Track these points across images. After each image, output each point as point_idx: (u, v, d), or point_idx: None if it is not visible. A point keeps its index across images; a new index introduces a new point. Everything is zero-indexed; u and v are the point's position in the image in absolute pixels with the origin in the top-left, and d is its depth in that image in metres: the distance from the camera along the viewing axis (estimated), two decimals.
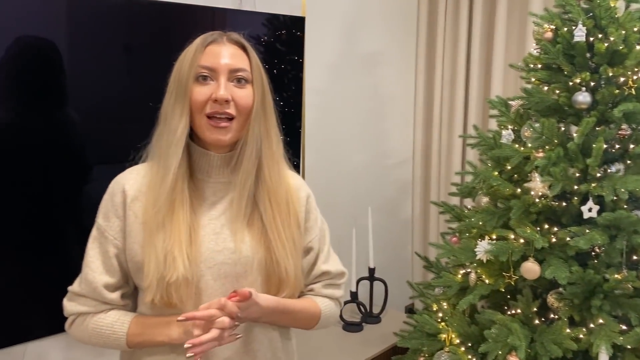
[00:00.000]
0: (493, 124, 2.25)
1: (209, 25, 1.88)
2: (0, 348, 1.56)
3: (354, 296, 2.53)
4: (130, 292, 1.17)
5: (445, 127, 3.01)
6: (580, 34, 1.68)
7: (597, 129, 1.69)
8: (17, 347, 1.61)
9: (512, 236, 1.70)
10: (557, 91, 1.76)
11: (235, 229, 1.12)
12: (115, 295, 1.12)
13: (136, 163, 1.17)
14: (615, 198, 1.60)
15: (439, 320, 1.90)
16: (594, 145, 1.61)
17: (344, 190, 2.72)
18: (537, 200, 1.68)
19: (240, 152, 1.12)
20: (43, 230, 1.59)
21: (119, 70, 1.70)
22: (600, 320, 1.58)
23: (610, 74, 1.69)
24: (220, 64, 1.09)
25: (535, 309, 1.71)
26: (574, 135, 1.66)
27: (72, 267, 1.62)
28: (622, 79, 1.70)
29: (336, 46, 2.62)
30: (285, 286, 1.13)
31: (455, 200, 2.80)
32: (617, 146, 1.73)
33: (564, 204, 1.73)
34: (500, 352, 1.61)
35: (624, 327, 1.60)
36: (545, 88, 1.80)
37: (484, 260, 1.72)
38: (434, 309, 1.95)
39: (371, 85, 2.84)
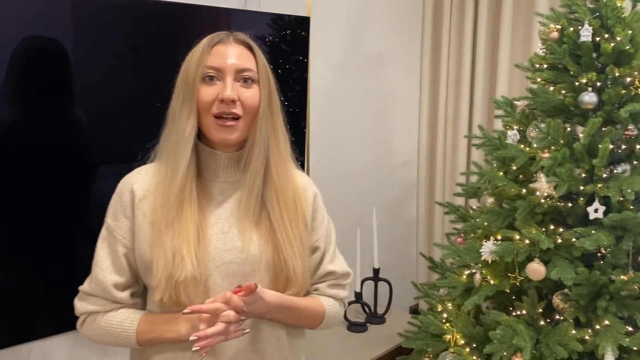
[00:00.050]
0: (498, 124, 2.25)
1: (214, 26, 1.88)
2: (5, 347, 1.57)
3: (358, 296, 2.53)
4: (140, 291, 1.18)
5: (450, 127, 3.01)
6: (586, 33, 1.68)
7: (603, 129, 1.68)
8: (22, 346, 1.61)
9: (518, 237, 1.69)
10: (563, 91, 1.75)
11: (243, 228, 1.12)
12: (124, 294, 1.13)
13: (144, 163, 1.18)
14: (621, 199, 1.59)
15: (444, 321, 1.90)
16: (600, 146, 1.60)
17: (348, 190, 2.72)
18: (542, 200, 1.67)
19: (249, 152, 1.13)
20: (48, 230, 1.59)
21: (124, 70, 1.70)
22: (606, 322, 1.57)
23: (617, 74, 1.68)
24: (227, 64, 1.09)
25: (540, 310, 1.70)
26: (580, 135, 1.66)
27: (78, 266, 1.63)
28: (628, 79, 1.69)
29: (341, 46, 2.62)
30: (292, 285, 1.14)
31: (460, 201, 2.79)
32: (624, 147, 1.72)
33: (570, 204, 1.72)
34: (505, 353, 1.60)
35: (630, 329, 1.59)
36: (551, 88, 1.79)
37: (489, 261, 1.72)
38: (439, 309, 1.95)
39: (376, 85, 2.84)
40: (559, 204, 1.71)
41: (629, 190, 1.56)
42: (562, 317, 1.68)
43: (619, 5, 1.70)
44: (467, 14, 2.86)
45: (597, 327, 1.59)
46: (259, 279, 1.13)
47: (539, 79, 1.83)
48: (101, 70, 1.64)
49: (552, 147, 1.70)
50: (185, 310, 1.01)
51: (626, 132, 1.69)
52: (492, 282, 1.74)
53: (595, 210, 1.62)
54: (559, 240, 1.66)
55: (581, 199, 1.69)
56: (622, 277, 1.57)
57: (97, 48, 1.63)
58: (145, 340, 1.12)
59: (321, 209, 1.25)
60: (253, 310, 1.08)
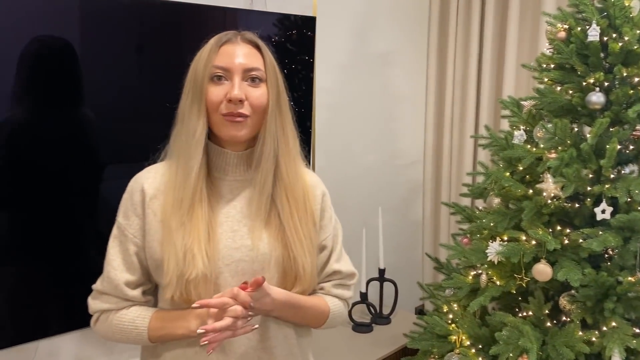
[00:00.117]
0: (505, 125, 2.24)
1: (220, 26, 1.88)
2: (12, 345, 1.58)
3: (363, 297, 2.52)
4: (151, 289, 1.19)
5: (457, 128, 3.00)
6: (594, 33, 1.67)
7: (611, 129, 1.67)
8: (29, 345, 1.62)
9: (524, 237, 1.68)
10: (571, 91, 1.74)
11: (252, 226, 1.13)
12: (136, 292, 1.14)
13: (154, 162, 1.19)
14: (629, 200, 1.58)
15: (450, 321, 1.89)
16: (607, 146, 1.59)
17: (354, 191, 2.72)
18: (549, 201, 1.67)
19: (259, 151, 1.13)
20: (56, 229, 1.60)
21: (130, 70, 1.71)
22: (614, 323, 1.56)
23: (625, 74, 1.67)
24: (234, 64, 1.09)
25: (547, 312, 1.69)
26: (588, 136, 1.65)
27: (85, 265, 1.64)
28: (636, 79, 1.67)
29: (347, 46, 2.62)
30: (300, 283, 1.14)
31: (466, 201, 2.78)
32: (631, 147, 1.71)
33: (577, 205, 1.71)
34: (511, 355, 1.59)
35: (638, 330, 1.58)
36: (558, 88, 1.78)
37: (495, 262, 1.71)
38: (445, 310, 1.94)
39: (382, 85, 2.84)
40: (565, 204, 1.70)
41: (636, 191, 1.55)
42: (568, 319, 1.67)
43: (627, 4, 1.68)
44: (473, 13, 2.85)
45: (604, 328, 1.58)
46: (268, 277, 1.13)
47: (546, 79, 1.82)
48: (108, 70, 1.65)
49: (559, 148, 1.69)
50: (194, 305, 1.02)
51: (634, 133, 1.68)
52: (498, 283, 1.73)
53: (603, 211, 1.61)
54: (566, 241, 1.65)
55: (588, 199, 1.68)
56: (629, 278, 1.55)
57: (103, 48, 1.63)
58: (156, 337, 1.13)
59: (329, 207, 1.26)
60: (260, 306, 1.08)
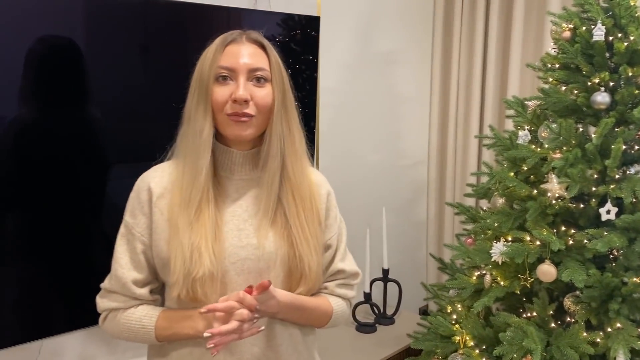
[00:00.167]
0: (509, 125, 2.23)
1: (225, 25, 1.88)
2: (16, 344, 1.58)
3: (367, 297, 2.52)
4: (159, 288, 1.19)
5: (461, 128, 2.99)
6: (599, 33, 1.66)
7: (616, 129, 1.66)
8: (33, 344, 1.63)
9: (528, 238, 1.68)
10: (575, 91, 1.74)
11: (259, 225, 1.14)
12: (144, 291, 1.15)
13: (161, 161, 1.20)
14: (634, 200, 1.58)
15: (453, 322, 1.89)
16: (612, 146, 1.58)
17: (358, 191, 2.71)
18: (554, 201, 1.66)
19: (266, 151, 1.14)
20: (61, 228, 1.61)
21: (135, 70, 1.71)
22: (618, 324, 1.55)
23: (630, 74, 1.66)
24: (239, 64, 1.10)
25: (551, 312, 1.68)
26: (593, 136, 1.64)
27: (90, 264, 1.65)
28: None
29: (351, 46, 2.62)
30: (306, 281, 1.15)
31: (471, 202, 2.78)
32: (637, 147, 1.70)
33: (582, 205, 1.71)
34: (515, 355, 1.59)
35: None
36: (563, 88, 1.78)
37: (499, 262, 1.70)
38: (448, 310, 1.94)
39: (386, 85, 2.83)
40: (570, 205, 1.70)
41: None
42: (573, 320, 1.66)
43: (632, 4, 1.68)
44: (478, 13, 2.84)
45: (609, 329, 1.58)
46: (273, 275, 1.14)
47: (550, 79, 1.82)
48: (113, 69, 1.65)
49: (564, 148, 1.68)
50: (201, 310, 1.03)
51: (639, 133, 1.67)
52: (502, 283, 1.72)
53: (608, 212, 1.61)
54: (571, 242, 1.64)
55: (593, 200, 1.68)
56: (634, 279, 1.55)
57: (108, 48, 1.64)
58: (164, 337, 1.13)
59: (334, 207, 1.27)
60: (266, 309, 1.09)
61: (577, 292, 1.64)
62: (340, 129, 2.59)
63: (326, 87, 2.44)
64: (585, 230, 1.63)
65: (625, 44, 1.64)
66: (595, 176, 1.65)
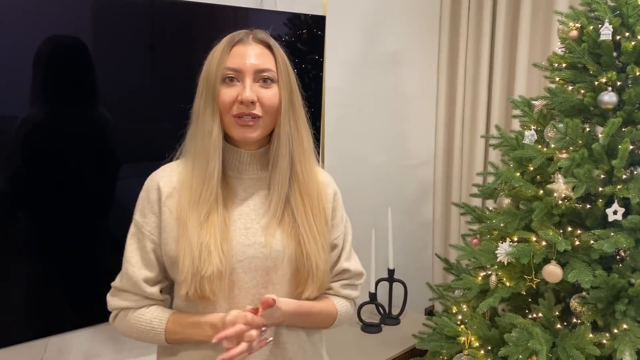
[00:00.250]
0: (516, 125, 2.22)
1: (232, 25, 1.89)
2: (22, 342, 1.59)
3: (372, 297, 2.52)
4: (169, 287, 1.20)
5: (468, 128, 2.98)
6: (606, 32, 1.65)
7: (623, 129, 1.65)
8: (39, 341, 1.63)
9: (534, 238, 1.67)
10: (582, 91, 1.73)
11: (266, 224, 1.15)
12: (154, 290, 1.16)
13: (170, 160, 1.21)
14: None
15: (459, 322, 1.88)
16: (619, 147, 1.57)
17: (363, 191, 2.71)
18: (560, 202, 1.65)
19: (275, 151, 1.15)
20: (68, 227, 1.62)
21: (143, 70, 1.72)
22: (625, 326, 1.54)
23: (638, 74, 1.65)
24: (246, 65, 1.10)
25: (557, 313, 1.68)
26: (599, 136, 1.63)
27: (97, 262, 1.66)
28: None
29: (357, 45, 2.61)
30: (313, 280, 1.15)
31: (477, 202, 2.76)
32: None
33: (589, 206, 1.70)
34: (520, 357, 1.58)
35: None
36: (570, 88, 1.77)
37: (505, 263, 1.70)
38: (454, 311, 1.93)
39: (392, 84, 2.83)
40: (577, 205, 1.69)
41: None
42: (579, 321, 1.65)
43: None
44: (485, 12, 2.83)
45: (615, 331, 1.57)
46: (280, 273, 1.15)
47: (557, 79, 1.81)
48: (121, 69, 1.66)
49: (571, 148, 1.68)
50: (213, 340, 1.04)
51: None
52: (507, 284, 1.72)
53: (615, 212, 1.60)
54: (577, 242, 1.63)
55: (600, 200, 1.67)
56: None
57: (116, 47, 1.64)
58: (173, 340, 1.15)
59: (340, 207, 1.27)
60: (272, 321, 1.12)
61: (584, 293, 1.63)
62: (346, 129, 2.58)
63: (332, 87, 2.43)
64: (592, 231, 1.62)
65: (633, 43, 1.63)
66: (602, 176, 1.64)
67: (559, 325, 1.67)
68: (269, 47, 1.15)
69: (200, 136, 1.12)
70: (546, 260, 1.62)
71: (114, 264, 1.22)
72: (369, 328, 2.46)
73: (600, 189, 1.63)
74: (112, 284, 1.19)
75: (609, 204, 1.62)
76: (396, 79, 2.84)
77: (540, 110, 1.86)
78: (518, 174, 1.81)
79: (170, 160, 1.21)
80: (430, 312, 3.00)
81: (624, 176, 1.62)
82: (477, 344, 1.78)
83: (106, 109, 1.65)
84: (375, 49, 2.70)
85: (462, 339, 1.81)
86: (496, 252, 1.71)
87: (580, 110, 1.74)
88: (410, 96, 2.93)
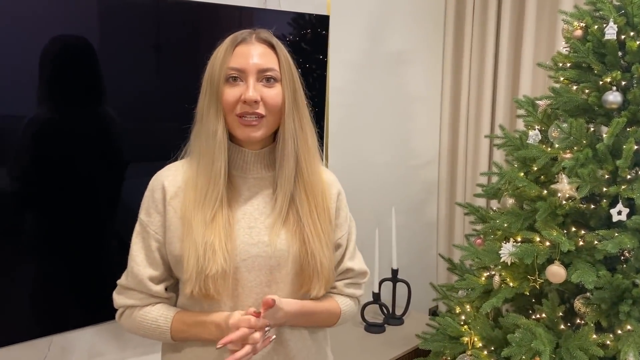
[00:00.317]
0: (521, 124, 2.21)
1: (236, 25, 1.89)
2: (26, 340, 1.60)
3: (376, 297, 2.51)
4: (173, 285, 1.21)
5: (472, 127, 2.97)
6: (611, 31, 1.64)
7: (627, 129, 1.64)
8: (42, 340, 1.64)
9: (538, 239, 1.66)
10: (587, 91, 1.72)
11: (270, 223, 1.15)
12: (160, 288, 1.17)
13: (175, 160, 1.22)
14: None
15: (462, 323, 1.88)
16: (624, 147, 1.56)
17: (367, 191, 2.71)
18: (564, 202, 1.64)
19: (280, 151, 1.15)
20: (74, 226, 1.62)
21: (148, 69, 1.73)
22: (629, 327, 1.54)
23: None
24: (249, 65, 1.11)
25: (561, 314, 1.67)
26: (604, 136, 1.62)
27: (102, 261, 1.66)
28: None
29: (361, 45, 2.61)
30: (319, 279, 1.16)
31: (481, 202, 2.76)
32: None
33: (593, 206, 1.69)
34: (524, 357, 1.58)
35: None
36: (574, 87, 1.76)
37: (509, 263, 1.69)
38: (457, 311, 1.92)
39: (397, 84, 2.82)
40: (581, 205, 1.68)
41: None
42: (583, 321, 1.64)
43: None
44: (490, 12, 2.82)
45: (619, 332, 1.56)
46: (284, 272, 1.16)
47: (562, 78, 1.80)
48: (126, 68, 1.67)
49: (575, 148, 1.67)
50: (218, 345, 1.05)
51: None
52: (511, 284, 1.71)
53: (619, 213, 1.59)
54: (581, 243, 1.63)
55: (604, 200, 1.66)
56: None
57: (121, 47, 1.65)
58: (179, 338, 1.16)
59: (344, 206, 1.28)
60: (274, 321, 1.12)
61: (588, 294, 1.62)
62: (350, 129, 2.58)
63: (336, 87, 2.43)
64: (596, 231, 1.61)
65: (638, 42, 1.62)
66: (607, 176, 1.64)
67: (562, 326, 1.66)
68: (272, 46, 1.15)
69: (204, 136, 1.13)
70: (550, 261, 1.62)
71: (119, 262, 1.23)
72: (372, 328, 2.46)
73: (605, 189, 1.62)
74: (118, 282, 1.20)
75: (613, 204, 1.61)
76: (400, 79, 2.83)
77: (544, 110, 1.85)
78: (522, 174, 1.81)
79: (175, 160, 1.21)
80: (434, 313, 2.99)
81: (629, 176, 1.61)
82: (480, 345, 1.78)
83: (112, 108, 1.65)
84: (379, 48, 2.69)
85: (466, 339, 1.80)
86: (500, 252, 1.70)
87: (584, 110, 1.74)
88: (415, 96, 2.93)
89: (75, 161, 1.60)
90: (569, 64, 1.80)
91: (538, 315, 1.72)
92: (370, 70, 2.66)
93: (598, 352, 1.53)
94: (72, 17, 1.55)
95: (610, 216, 1.60)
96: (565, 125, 1.68)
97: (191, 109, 1.18)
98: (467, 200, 2.93)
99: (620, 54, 1.67)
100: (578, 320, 1.68)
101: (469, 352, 1.78)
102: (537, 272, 1.64)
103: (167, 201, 1.15)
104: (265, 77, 1.12)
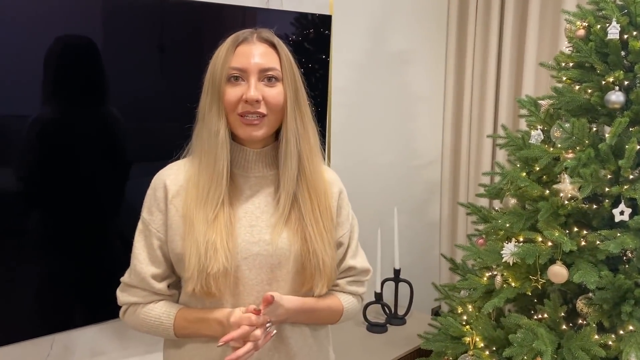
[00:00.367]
0: (524, 124, 2.21)
1: (240, 24, 1.89)
2: (29, 339, 1.61)
3: (378, 297, 2.51)
4: (176, 282, 1.23)
5: (475, 127, 2.97)
6: (614, 31, 1.63)
7: (630, 129, 1.64)
8: (45, 338, 1.65)
9: (540, 239, 1.66)
10: (589, 90, 1.71)
11: (272, 222, 1.16)
12: (162, 285, 1.18)
13: (177, 159, 1.22)
14: None
15: (464, 323, 1.87)
16: (626, 147, 1.56)
17: (370, 191, 2.71)
18: (566, 202, 1.64)
19: (283, 151, 1.16)
20: (77, 225, 1.63)
21: (152, 69, 1.73)
22: (631, 327, 1.53)
23: None
24: (250, 64, 1.11)
25: (562, 314, 1.66)
26: (606, 135, 1.62)
27: (104, 260, 1.67)
28: None
29: (364, 45, 2.61)
30: (321, 277, 1.16)
31: (484, 202, 2.75)
32: None
33: (595, 206, 1.68)
34: (525, 357, 1.57)
35: None
36: (577, 87, 1.75)
37: (511, 263, 1.69)
38: (459, 311, 1.92)
39: (399, 84, 2.82)
40: (583, 205, 1.67)
41: None
42: (585, 322, 1.64)
43: None
44: (493, 11, 2.81)
45: (621, 332, 1.56)
46: (285, 271, 1.16)
47: (564, 78, 1.80)
48: (130, 69, 1.67)
49: (577, 148, 1.66)
50: (219, 344, 1.06)
51: None
52: (513, 284, 1.71)
53: (621, 213, 1.58)
54: (583, 243, 1.62)
55: (607, 200, 1.65)
56: None
57: (125, 47, 1.66)
58: (182, 334, 1.18)
59: (346, 204, 1.28)
60: (275, 318, 1.13)
61: (590, 294, 1.62)
62: (353, 129, 2.58)
63: (338, 87, 2.43)
64: (598, 231, 1.60)
65: None
66: (609, 176, 1.63)
67: (564, 326, 1.66)
68: (273, 45, 1.16)
69: (206, 135, 1.14)
70: (552, 261, 1.61)
71: (121, 261, 1.23)
72: (374, 328, 2.46)
73: (607, 189, 1.62)
74: (122, 279, 1.21)
75: (615, 204, 1.60)
76: (403, 79, 2.83)
77: (546, 109, 1.85)
78: (524, 174, 1.80)
79: (177, 159, 1.22)
80: (436, 313, 2.99)
81: (631, 176, 1.61)
82: (482, 345, 1.78)
83: (116, 108, 1.66)
84: (382, 48, 2.69)
85: (467, 339, 1.80)
86: (501, 252, 1.70)
87: (587, 109, 1.73)
88: (418, 96, 2.93)
89: (79, 160, 1.61)
90: (571, 64, 1.79)
91: (540, 316, 1.72)
92: (373, 70, 2.65)
93: (600, 353, 1.53)
94: (76, 17, 1.55)
95: (612, 216, 1.60)
96: (567, 125, 1.68)
97: (195, 109, 1.18)
98: (470, 200, 2.92)
99: (623, 53, 1.67)
100: (580, 321, 1.67)
101: (470, 352, 1.77)
102: (539, 272, 1.64)
103: (169, 200, 1.16)
104: (267, 77, 1.13)
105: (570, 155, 1.65)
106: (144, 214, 1.19)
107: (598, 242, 1.58)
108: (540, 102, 1.88)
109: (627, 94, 1.65)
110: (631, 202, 1.59)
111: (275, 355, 1.19)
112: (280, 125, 1.16)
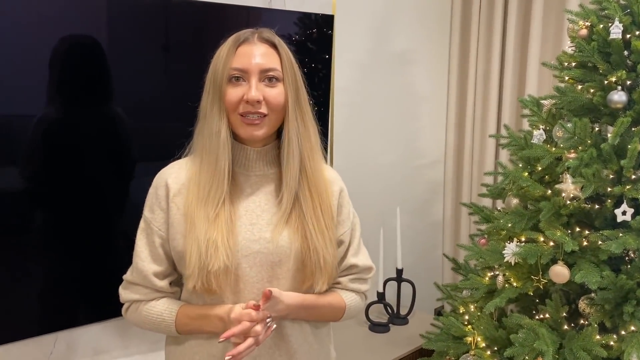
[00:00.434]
0: (527, 124, 2.21)
1: (243, 24, 1.89)
2: (32, 336, 1.62)
3: (380, 297, 2.51)
4: (178, 279, 1.24)
5: (478, 127, 2.96)
6: (616, 31, 1.63)
7: (632, 129, 1.63)
8: (48, 336, 1.66)
9: (542, 239, 1.66)
10: (592, 90, 1.71)
11: (273, 220, 1.17)
12: (164, 283, 1.19)
13: (179, 158, 1.23)
14: None
15: (466, 322, 1.87)
16: (629, 146, 1.55)
17: (372, 191, 2.71)
18: (568, 202, 1.64)
19: (285, 150, 1.16)
20: (80, 224, 1.64)
21: (156, 69, 1.74)
22: (633, 328, 1.53)
23: None
24: (251, 65, 1.12)
25: (564, 314, 1.66)
26: (609, 135, 1.61)
27: (107, 259, 1.68)
28: None
29: (366, 45, 2.61)
30: (322, 274, 1.17)
31: (487, 202, 2.75)
32: None
33: (597, 206, 1.68)
34: (527, 357, 1.57)
35: None
36: (579, 87, 1.75)
37: (512, 263, 1.69)
38: (461, 311, 1.92)
39: (402, 84, 2.82)
40: (585, 205, 1.67)
41: None
42: (586, 322, 1.63)
43: None
44: (496, 11, 2.81)
45: (623, 332, 1.55)
46: (285, 269, 1.17)
47: (567, 78, 1.79)
48: (134, 69, 1.68)
49: (579, 147, 1.66)
50: (220, 340, 1.08)
51: None
52: (515, 284, 1.71)
53: (624, 213, 1.58)
54: (585, 243, 1.62)
55: (609, 200, 1.65)
56: None
57: (130, 47, 1.67)
58: (184, 331, 1.19)
59: (347, 203, 1.29)
60: (275, 313, 1.14)
61: (592, 295, 1.61)
62: (355, 129, 2.58)
63: (341, 87, 2.43)
64: (600, 232, 1.60)
65: None
66: (611, 176, 1.63)
67: (566, 327, 1.65)
68: (274, 46, 1.17)
69: (207, 134, 1.15)
70: (554, 261, 1.61)
71: (124, 260, 1.24)
72: (376, 328, 2.46)
73: (609, 189, 1.61)
74: (124, 277, 1.23)
75: (617, 204, 1.60)
76: (406, 79, 2.83)
77: (549, 109, 1.84)
78: (526, 173, 1.80)
79: (179, 158, 1.23)
80: (439, 313, 2.99)
81: (633, 176, 1.60)
82: (483, 345, 1.78)
83: (120, 107, 1.67)
84: (384, 48, 2.69)
85: (469, 339, 1.80)
86: (503, 252, 1.70)
87: (589, 109, 1.73)
88: (421, 96, 2.92)
89: (83, 160, 1.62)
90: (574, 64, 1.79)
91: (542, 316, 1.71)
92: (376, 70, 2.65)
93: (602, 353, 1.52)
94: (80, 16, 1.56)
95: (614, 216, 1.59)
96: (569, 124, 1.68)
97: (197, 108, 1.19)
98: (472, 200, 2.92)
99: (625, 53, 1.66)
100: (582, 321, 1.67)
101: (472, 352, 1.77)
102: (540, 272, 1.64)
103: (170, 198, 1.17)
104: (268, 77, 1.13)
105: (573, 155, 1.64)
106: (146, 212, 1.20)
107: (600, 242, 1.58)
108: (542, 102, 1.88)
109: (630, 94, 1.65)
110: (633, 202, 1.59)
111: (276, 353, 1.19)
112: (281, 124, 1.17)
